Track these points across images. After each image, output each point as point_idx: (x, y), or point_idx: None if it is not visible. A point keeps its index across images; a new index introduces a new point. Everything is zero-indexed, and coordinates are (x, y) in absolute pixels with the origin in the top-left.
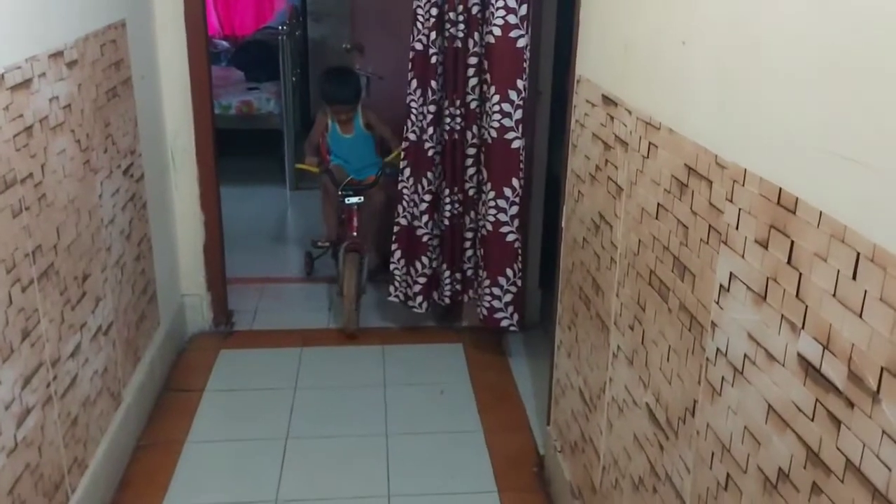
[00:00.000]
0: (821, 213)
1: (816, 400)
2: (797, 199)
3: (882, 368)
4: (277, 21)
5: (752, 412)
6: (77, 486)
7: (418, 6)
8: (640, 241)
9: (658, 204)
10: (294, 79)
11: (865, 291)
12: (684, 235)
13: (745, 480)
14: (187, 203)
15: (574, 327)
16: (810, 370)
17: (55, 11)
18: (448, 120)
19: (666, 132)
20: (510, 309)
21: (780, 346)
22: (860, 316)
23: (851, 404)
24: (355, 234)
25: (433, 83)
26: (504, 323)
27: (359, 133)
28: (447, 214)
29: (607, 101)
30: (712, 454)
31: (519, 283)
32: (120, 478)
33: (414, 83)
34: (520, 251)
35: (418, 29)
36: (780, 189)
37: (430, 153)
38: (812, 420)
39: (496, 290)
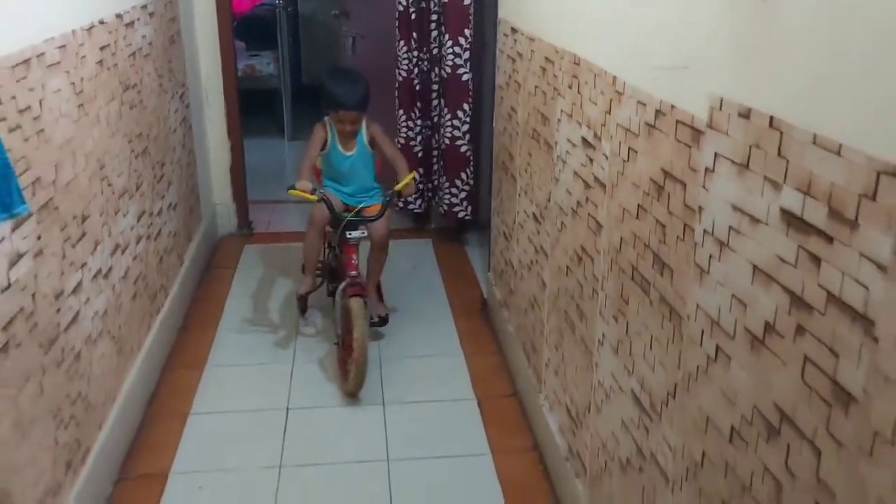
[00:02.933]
0: (587, 60)
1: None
2: (581, 57)
3: (602, 124)
4: None
5: (572, 137)
6: (163, 305)
7: None
8: (528, 112)
9: (535, 85)
10: (288, 46)
11: (595, 90)
12: (544, 98)
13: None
14: (217, 132)
15: (500, 192)
16: (587, 146)
17: None
18: (416, 62)
19: (538, 41)
20: (465, 203)
21: (576, 137)
22: (595, 103)
23: (595, 148)
24: (355, 273)
25: (415, 34)
26: (461, 214)
27: (361, 151)
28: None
29: (514, 31)
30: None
31: (472, 183)
32: (185, 312)
33: (400, 40)
34: (471, 159)
35: None
36: (575, 54)
37: (418, 89)
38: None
39: (454, 190)
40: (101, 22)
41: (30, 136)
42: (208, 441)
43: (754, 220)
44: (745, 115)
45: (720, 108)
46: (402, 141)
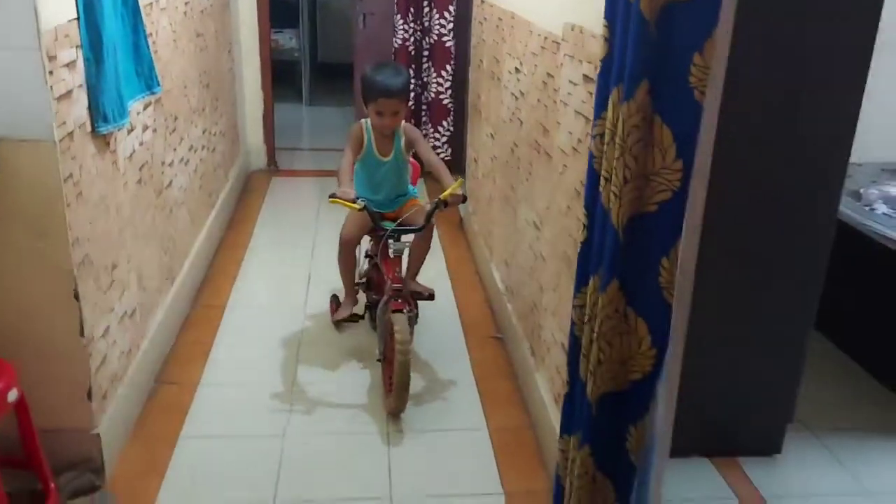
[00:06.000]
0: (518, 15)
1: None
2: (515, 13)
3: (523, 54)
4: None
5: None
6: (216, 203)
7: None
8: (488, 60)
9: (493, 39)
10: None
11: (521, 32)
12: (496, 46)
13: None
14: (252, 86)
15: (472, 127)
16: (517, 72)
17: None
18: (412, 33)
19: (495, 6)
20: (446, 146)
21: (511, 67)
22: (521, 42)
23: (520, 71)
24: (399, 286)
25: (412, 10)
26: (441, 155)
27: (397, 156)
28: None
29: (482, 1)
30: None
31: (451, 129)
32: (229, 215)
33: (398, 14)
34: (451, 110)
35: None
36: (512, 12)
37: (412, 53)
38: None
39: (437, 135)
40: None
41: (154, 51)
42: (252, 289)
43: (574, 84)
44: (573, 29)
45: (570, 30)
46: None
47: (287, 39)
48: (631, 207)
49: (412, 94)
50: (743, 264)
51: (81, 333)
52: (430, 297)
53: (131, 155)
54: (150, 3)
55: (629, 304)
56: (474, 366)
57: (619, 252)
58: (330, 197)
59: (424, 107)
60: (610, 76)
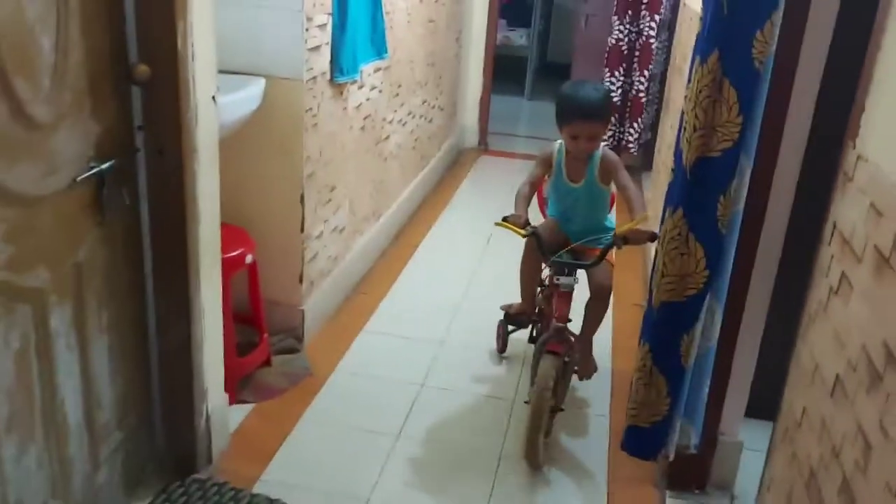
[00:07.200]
0: (693, 8)
1: None
2: (694, 10)
3: None
4: None
5: None
6: (426, 165)
7: None
8: (681, 57)
9: (688, 38)
10: (539, 26)
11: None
12: (688, 42)
13: None
14: (473, 69)
15: (661, 122)
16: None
17: None
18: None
19: (690, 7)
20: (636, 142)
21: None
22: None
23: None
24: (561, 325)
25: (629, 13)
26: (631, 150)
27: (590, 183)
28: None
29: (684, 5)
30: None
31: (642, 127)
32: (437, 179)
33: (615, 15)
34: (645, 107)
35: None
36: (696, 11)
37: (625, 52)
38: None
39: (630, 131)
40: None
41: (389, 27)
42: (441, 240)
43: None
44: None
45: None
46: None
47: (518, 37)
48: (698, 151)
49: (620, 92)
50: None
51: (302, 230)
52: (583, 376)
53: (359, 106)
54: None
55: (690, 230)
56: (615, 325)
57: (686, 187)
58: (502, 219)
59: (628, 104)
60: (697, 47)
